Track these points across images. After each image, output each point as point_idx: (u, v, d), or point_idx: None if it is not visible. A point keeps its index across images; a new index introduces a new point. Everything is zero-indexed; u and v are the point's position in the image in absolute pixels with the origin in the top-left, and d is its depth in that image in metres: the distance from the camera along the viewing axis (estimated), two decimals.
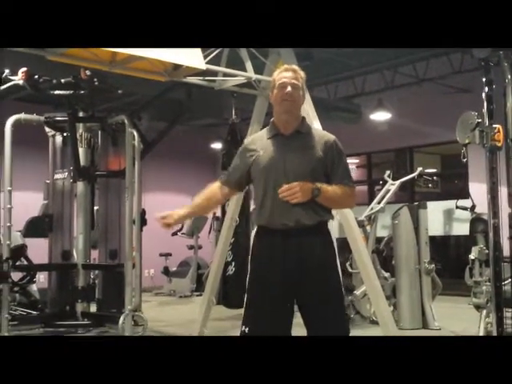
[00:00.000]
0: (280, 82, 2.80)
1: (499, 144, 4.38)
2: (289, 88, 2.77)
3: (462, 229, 8.97)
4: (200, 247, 11.06)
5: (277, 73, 2.88)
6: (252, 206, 8.00)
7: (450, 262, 10.17)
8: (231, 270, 7.02)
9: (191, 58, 4.98)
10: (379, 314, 5.30)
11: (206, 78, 5.47)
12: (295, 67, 2.89)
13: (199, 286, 10.38)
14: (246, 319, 2.80)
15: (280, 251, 2.70)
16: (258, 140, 2.91)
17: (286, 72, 2.83)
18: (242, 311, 8.35)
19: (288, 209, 2.67)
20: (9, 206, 6.04)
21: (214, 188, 3.01)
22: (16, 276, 7.06)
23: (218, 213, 9.16)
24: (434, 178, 10.69)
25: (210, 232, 11.07)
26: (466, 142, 4.58)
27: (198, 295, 9.97)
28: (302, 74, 2.85)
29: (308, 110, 4.99)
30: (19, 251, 7.21)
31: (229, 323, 7.08)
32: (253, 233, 2.94)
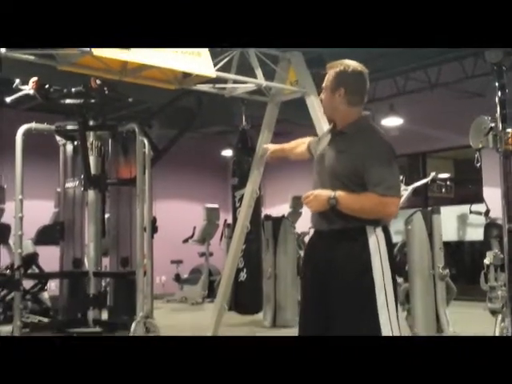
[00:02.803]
0: None
1: None
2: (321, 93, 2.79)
3: (476, 234, 8.89)
4: (211, 254, 11.04)
5: None
6: (263, 213, 7.98)
7: (464, 267, 10.07)
8: (243, 276, 7.01)
9: (201, 65, 4.98)
10: None
11: (216, 86, 5.46)
12: (332, 64, 2.75)
13: (211, 292, 10.36)
14: None
15: (313, 250, 2.77)
16: (327, 131, 2.93)
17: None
18: (253, 317, 8.29)
19: (318, 212, 2.68)
20: (20, 214, 6.05)
21: (304, 140, 3.19)
22: (27, 284, 7.07)
23: (230, 219, 9.14)
24: (448, 183, 10.62)
25: (221, 239, 11.04)
26: (480, 146, 4.53)
27: (209, 302, 9.96)
28: (335, 70, 2.71)
29: (318, 113, 4.98)
30: (30, 259, 7.24)
31: (241, 329, 7.05)
32: None
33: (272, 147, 3.71)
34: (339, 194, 2.58)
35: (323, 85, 2.76)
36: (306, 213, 2.85)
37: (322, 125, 5.11)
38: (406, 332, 5.87)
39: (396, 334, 2.54)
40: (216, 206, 11.05)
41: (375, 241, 2.61)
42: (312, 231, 2.83)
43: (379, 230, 2.64)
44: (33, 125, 6.43)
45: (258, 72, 5.41)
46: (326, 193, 2.60)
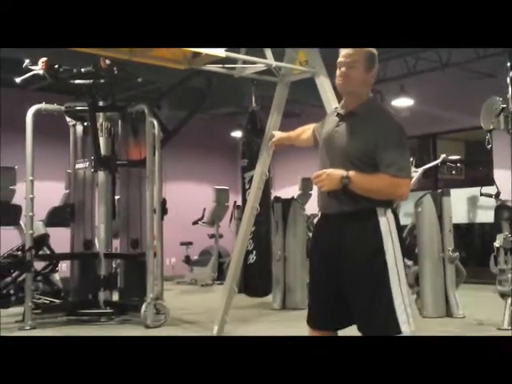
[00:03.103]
0: (337, 62, 2.76)
1: None
2: (341, 68, 2.73)
3: (486, 216, 8.84)
4: (221, 236, 11.06)
5: None
6: (273, 195, 7.96)
7: (474, 249, 10.05)
8: (252, 258, 6.99)
9: None
10: None
11: (226, 66, 5.41)
12: None
13: (220, 274, 10.40)
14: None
15: (322, 232, 2.75)
16: (331, 113, 2.91)
17: (343, 51, 2.76)
18: (263, 300, 8.27)
19: (327, 194, 2.66)
20: (31, 195, 6.09)
21: (309, 126, 3.20)
22: (39, 265, 7.12)
23: (239, 201, 9.15)
24: (458, 164, 10.57)
25: (230, 221, 11.06)
26: (491, 127, 4.51)
27: (219, 284, 10.00)
28: (367, 50, 2.72)
29: (328, 93, 4.94)
30: (42, 240, 7.28)
31: (250, 312, 7.08)
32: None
33: (278, 135, 3.72)
34: (352, 173, 2.57)
35: (347, 60, 2.71)
36: (316, 194, 2.83)
37: (332, 105, 5.07)
38: (415, 311, 5.87)
39: (408, 308, 2.56)
40: (225, 187, 11.06)
41: (386, 222, 2.61)
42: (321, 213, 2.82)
43: (389, 212, 2.64)
44: (43, 105, 6.45)
45: (268, 52, 5.37)
46: (339, 172, 2.58)
